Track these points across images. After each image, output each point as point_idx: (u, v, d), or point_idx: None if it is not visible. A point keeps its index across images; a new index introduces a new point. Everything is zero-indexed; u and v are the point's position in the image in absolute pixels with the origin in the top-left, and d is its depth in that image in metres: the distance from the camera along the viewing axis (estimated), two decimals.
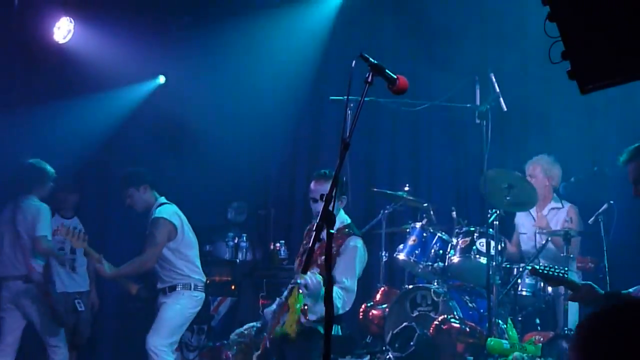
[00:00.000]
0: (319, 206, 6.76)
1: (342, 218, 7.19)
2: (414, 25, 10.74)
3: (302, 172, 11.68)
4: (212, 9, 11.23)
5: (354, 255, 7.03)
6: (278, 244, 10.56)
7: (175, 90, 11.57)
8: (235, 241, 10.93)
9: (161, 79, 11.96)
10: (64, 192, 9.89)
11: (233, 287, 10.37)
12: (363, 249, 7.19)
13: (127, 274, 8.26)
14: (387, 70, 4.36)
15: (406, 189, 9.16)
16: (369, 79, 4.32)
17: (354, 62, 4.27)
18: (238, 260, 10.68)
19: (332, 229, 4.02)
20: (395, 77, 4.40)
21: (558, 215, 8.98)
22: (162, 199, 8.49)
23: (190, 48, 11.32)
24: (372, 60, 4.33)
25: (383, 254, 9.21)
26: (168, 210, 8.32)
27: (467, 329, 7.72)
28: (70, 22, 10.49)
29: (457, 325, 7.71)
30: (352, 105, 6.63)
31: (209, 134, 11.20)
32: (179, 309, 8.21)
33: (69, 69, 10.69)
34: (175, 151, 11.24)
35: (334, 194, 4.04)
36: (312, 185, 7.15)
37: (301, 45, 11.25)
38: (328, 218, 3.99)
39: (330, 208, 4.00)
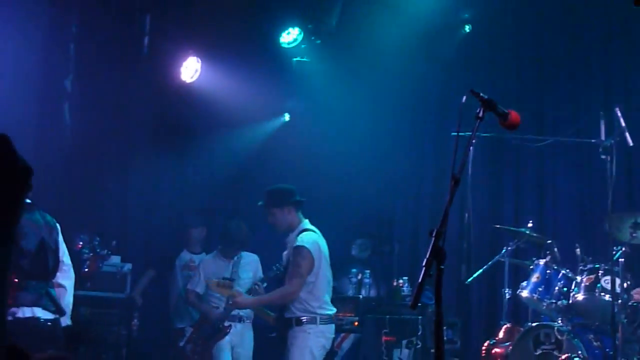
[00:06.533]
0: None
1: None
2: (537, 59, 10.68)
3: (426, 207, 11.71)
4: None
5: None
6: (401, 281, 10.54)
7: (299, 126, 11.77)
8: (359, 277, 10.97)
9: (286, 117, 12.18)
10: (189, 227, 10.15)
11: (356, 323, 10.37)
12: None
13: (267, 303, 8.13)
14: (498, 105, 4.31)
15: (529, 225, 9.04)
16: (480, 114, 4.27)
17: (464, 97, 4.25)
18: (361, 296, 10.67)
19: (443, 265, 3.96)
20: (506, 112, 4.33)
21: None
22: (306, 223, 8.07)
23: (312, 84, 11.47)
24: (483, 95, 4.26)
25: (506, 290, 9.08)
26: (310, 240, 7.85)
27: None
28: (198, 61, 10.78)
29: None
30: (474, 142, 6.56)
31: (334, 169, 11.33)
32: (308, 352, 7.77)
33: (197, 107, 10.97)
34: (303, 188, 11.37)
35: (443, 230, 3.98)
36: None
37: (424, 78, 11.32)
38: (438, 254, 3.94)
39: (440, 244, 3.95)
